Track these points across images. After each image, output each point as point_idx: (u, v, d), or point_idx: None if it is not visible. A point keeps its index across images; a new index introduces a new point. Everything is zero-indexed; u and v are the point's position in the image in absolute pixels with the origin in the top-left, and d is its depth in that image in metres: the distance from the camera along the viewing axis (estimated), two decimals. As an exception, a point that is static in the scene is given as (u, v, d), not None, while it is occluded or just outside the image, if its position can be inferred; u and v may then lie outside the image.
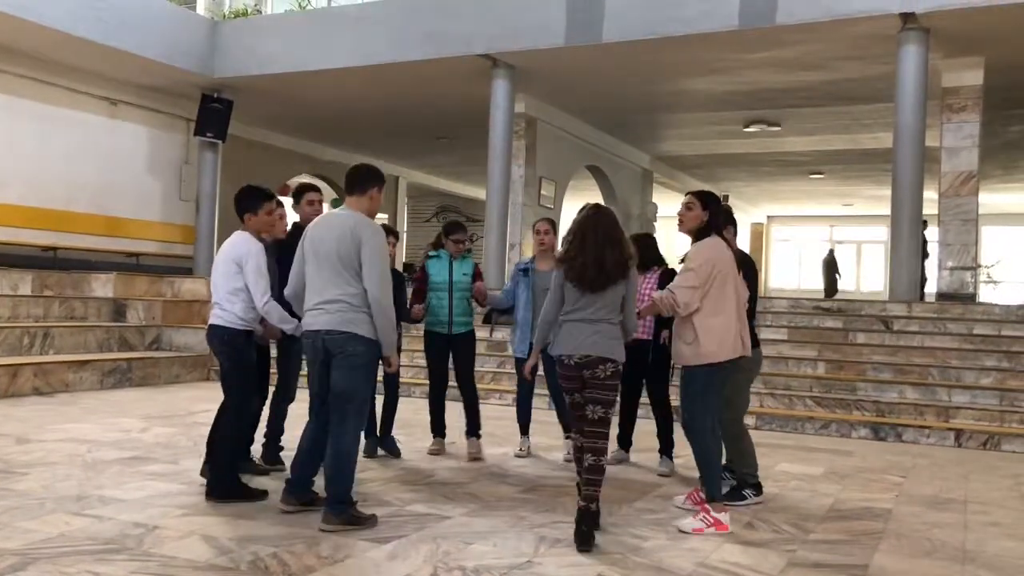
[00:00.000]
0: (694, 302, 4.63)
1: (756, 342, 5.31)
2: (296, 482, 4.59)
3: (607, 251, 4.28)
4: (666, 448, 6.20)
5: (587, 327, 4.30)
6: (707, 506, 4.60)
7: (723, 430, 5.18)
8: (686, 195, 4.99)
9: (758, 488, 5.30)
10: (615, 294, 4.33)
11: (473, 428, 6.41)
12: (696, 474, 5.18)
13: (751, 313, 5.25)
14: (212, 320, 4.96)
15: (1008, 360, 9.05)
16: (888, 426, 8.14)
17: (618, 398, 4.49)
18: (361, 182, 4.55)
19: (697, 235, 4.84)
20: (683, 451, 5.94)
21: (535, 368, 4.93)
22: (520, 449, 6.52)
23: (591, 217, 4.40)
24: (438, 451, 6.45)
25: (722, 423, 5.10)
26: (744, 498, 5.17)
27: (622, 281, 4.33)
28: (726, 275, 4.71)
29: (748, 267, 5.24)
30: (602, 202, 20.41)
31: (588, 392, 4.34)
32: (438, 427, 6.56)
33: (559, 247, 4.73)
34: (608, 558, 4.01)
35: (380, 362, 4.57)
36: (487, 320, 6.99)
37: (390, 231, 6.73)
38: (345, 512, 4.31)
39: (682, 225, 4.93)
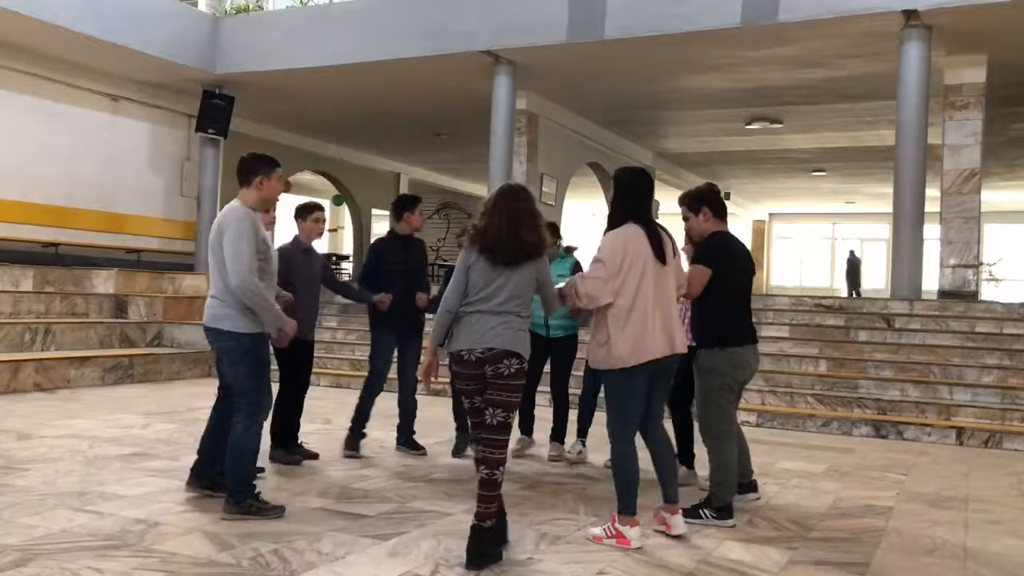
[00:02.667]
0: (601, 296, 4.14)
1: (753, 339, 4.84)
2: (198, 467, 4.82)
3: (524, 223, 3.88)
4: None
5: (492, 318, 3.84)
6: (614, 515, 4.22)
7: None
8: None
9: (724, 511, 4.61)
10: (528, 275, 3.90)
11: (559, 432, 6.37)
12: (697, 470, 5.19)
13: (740, 305, 4.79)
14: None
15: (1010, 358, 9.04)
16: (889, 424, 8.13)
17: (519, 400, 3.97)
18: (246, 173, 4.57)
19: (610, 222, 4.36)
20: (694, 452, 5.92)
21: (436, 368, 4.07)
22: (576, 451, 6.29)
23: (510, 193, 3.99)
24: (520, 450, 6.37)
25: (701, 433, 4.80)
26: (700, 517, 4.59)
27: (537, 260, 3.92)
28: (641, 268, 4.16)
29: (725, 255, 4.73)
30: (604, 200, 20.24)
31: (489, 393, 3.85)
32: (526, 427, 6.50)
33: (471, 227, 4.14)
34: (609, 555, 4.01)
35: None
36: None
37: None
38: (243, 502, 4.41)
39: None
